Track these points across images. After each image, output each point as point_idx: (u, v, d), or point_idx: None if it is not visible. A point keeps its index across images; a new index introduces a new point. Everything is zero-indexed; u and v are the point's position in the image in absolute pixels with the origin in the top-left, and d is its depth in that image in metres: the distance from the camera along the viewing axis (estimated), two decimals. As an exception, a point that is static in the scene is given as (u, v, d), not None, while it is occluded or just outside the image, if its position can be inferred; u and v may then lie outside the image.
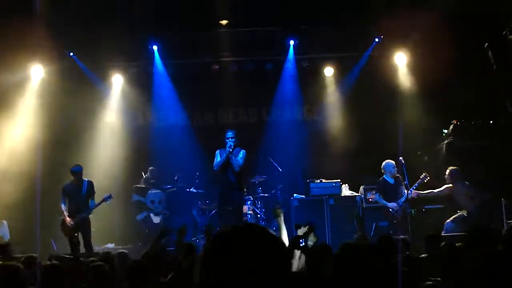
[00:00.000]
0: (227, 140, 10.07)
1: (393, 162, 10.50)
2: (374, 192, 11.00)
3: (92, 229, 10.34)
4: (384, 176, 10.57)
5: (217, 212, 11.04)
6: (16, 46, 11.17)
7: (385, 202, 10.44)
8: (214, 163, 10.33)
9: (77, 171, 10.26)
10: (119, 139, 12.80)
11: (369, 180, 11.48)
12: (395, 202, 10.34)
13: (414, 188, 10.15)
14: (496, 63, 11.15)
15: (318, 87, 13.20)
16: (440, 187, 10.39)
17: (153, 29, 12.17)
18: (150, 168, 12.45)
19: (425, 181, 10.18)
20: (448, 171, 10.33)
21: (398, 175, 10.47)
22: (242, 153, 10.16)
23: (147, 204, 12.27)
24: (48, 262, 5.77)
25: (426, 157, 11.87)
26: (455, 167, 10.36)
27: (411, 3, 10.92)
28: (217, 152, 10.34)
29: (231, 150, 10.01)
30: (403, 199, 10.25)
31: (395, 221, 10.29)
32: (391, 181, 10.53)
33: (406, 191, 10.26)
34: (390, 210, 10.35)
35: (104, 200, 10.28)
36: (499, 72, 11.10)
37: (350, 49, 12.72)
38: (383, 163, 10.61)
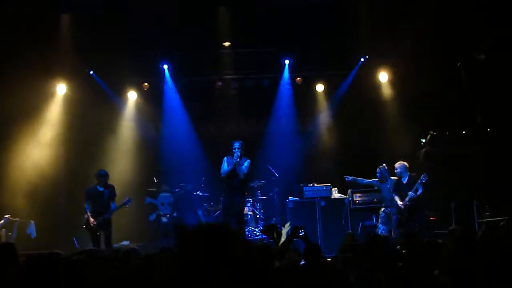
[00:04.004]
0: (234, 150, 10.16)
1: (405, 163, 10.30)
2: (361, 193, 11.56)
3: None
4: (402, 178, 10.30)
5: (221, 213, 11.29)
6: (41, 65, 11.70)
7: (399, 201, 10.16)
8: (222, 170, 10.37)
9: (102, 175, 10.41)
10: (134, 148, 13.06)
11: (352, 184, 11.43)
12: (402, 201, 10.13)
13: (413, 192, 9.95)
14: (467, 79, 11.64)
15: (311, 102, 13.47)
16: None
17: (164, 50, 12.48)
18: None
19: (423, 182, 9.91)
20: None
21: (413, 174, 10.18)
22: (247, 162, 10.28)
23: (158, 206, 12.56)
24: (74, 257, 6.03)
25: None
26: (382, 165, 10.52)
27: (393, 27, 11.33)
28: (224, 159, 10.41)
29: (238, 160, 10.16)
30: (407, 198, 10.02)
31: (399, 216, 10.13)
32: (403, 180, 10.29)
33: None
34: (401, 206, 10.08)
35: (124, 204, 10.46)
36: (470, 87, 11.56)
37: (339, 68, 13.01)
38: (398, 164, 10.30)
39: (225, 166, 10.36)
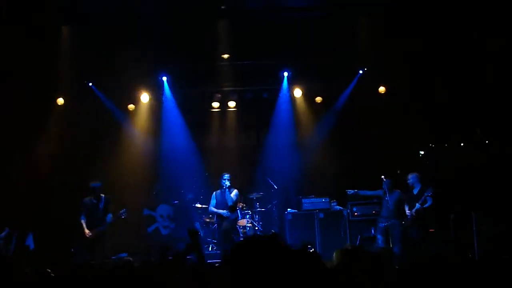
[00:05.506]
0: (224, 181, 10.99)
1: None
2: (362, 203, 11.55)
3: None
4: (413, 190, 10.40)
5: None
6: (41, 77, 11.81)
7: (407, 211, 10.33)
8: (210, 208, 11.19)
9: (96, 187, 10.35)
10: (132, 159, 12.97)
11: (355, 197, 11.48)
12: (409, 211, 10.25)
13: (420, 203, 10.04)
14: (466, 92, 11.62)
15: (309, 113, 13.45)
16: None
17: (163, 62, 12.49)
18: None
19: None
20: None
21: (424, 186, 10.22)
22: (235, 192, 11.13)
23: (156, 217, 12.57)
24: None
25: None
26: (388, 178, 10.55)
27: (392, 39, 11.48)
28: (213, 194, 11.20)
29: (227, 189, 10.95)
30: (414, 209, 10.11)
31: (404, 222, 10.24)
32: (415, 191, 10.37)
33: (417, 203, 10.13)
34: (408, 215, 10.26)
35: (120, 215, 10.46)
36: (469, 100, 11.58)
37: (338, 79, 12.98)
38: (411, 175, 10.39)
39: (214, 201, 11.16)
